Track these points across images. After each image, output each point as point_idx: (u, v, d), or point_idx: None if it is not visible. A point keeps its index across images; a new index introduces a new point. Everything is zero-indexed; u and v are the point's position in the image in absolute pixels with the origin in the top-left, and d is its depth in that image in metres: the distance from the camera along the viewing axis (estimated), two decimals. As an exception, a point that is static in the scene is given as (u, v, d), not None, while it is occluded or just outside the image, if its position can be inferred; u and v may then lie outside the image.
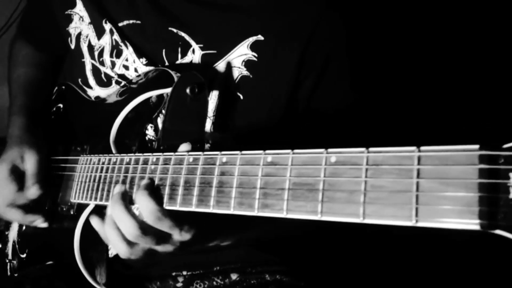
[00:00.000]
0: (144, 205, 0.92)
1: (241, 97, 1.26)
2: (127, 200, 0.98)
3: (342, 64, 1.27)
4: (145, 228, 0.93)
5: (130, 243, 0.96)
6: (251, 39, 1.22)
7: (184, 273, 1.41)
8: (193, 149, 0.98)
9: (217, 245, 1.17)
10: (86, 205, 1.22)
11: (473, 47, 1.91)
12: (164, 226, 0.94)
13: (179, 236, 0.96)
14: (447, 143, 0.60)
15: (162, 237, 0.96)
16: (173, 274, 1.41)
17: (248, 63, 1.23)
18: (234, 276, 1.42)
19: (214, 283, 1.41)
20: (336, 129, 1.27)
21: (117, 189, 1.01)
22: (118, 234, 0.96)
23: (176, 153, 0.96)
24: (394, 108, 1.73)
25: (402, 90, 1.86)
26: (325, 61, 1.25)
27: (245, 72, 1.24)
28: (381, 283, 1.92)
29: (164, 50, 1.29)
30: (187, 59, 1.27)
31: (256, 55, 1.23)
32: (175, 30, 1.27)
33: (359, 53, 1.30)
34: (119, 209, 0.95)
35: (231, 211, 0.82)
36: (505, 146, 0.55)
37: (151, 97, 1.22)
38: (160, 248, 0.98)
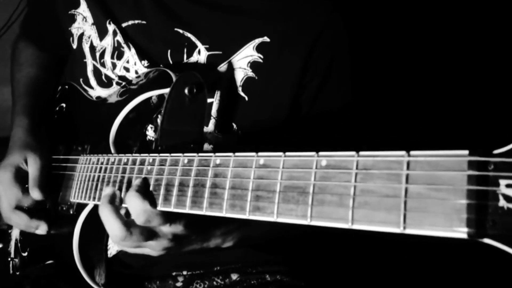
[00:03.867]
0: (134, 206, 0.93)
1: (246, 98, 1.26)
2: (115, 202, 0.99)
3: (346, 69, 1.28)
4: (131, 230, 0.94)
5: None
6: (257, 41, 1.22)
7: (184, 273, 1.41)
8: (188, 150, 0.98)
9: (218, 247, 1.15)
10: (86, 205, 1.22)
11: (471, 53, 1.92)
12: (154, 225, 0.95)
13: (170, 229, 0.96)
14: (443, 147, 0.59)
15: (150, 235, 0.96)
16: (173, 274, 1.41)
17: (253, 65, 1.23)
18: (234, 276, 1.41)
19: (214, 283, 1.41)
20: (338, 132, 1.26)
21: (107, 191, 1.02)
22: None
23: (172, 154, 0.96)
24: (394, 111, 1.73)
25: (402, 94, 1.85)
26: (329, 65, 1.25)
27: (250, 73, 1.24)
28: (381, 283, 1.91)
29: (169, 51, 1.29)
30: (192, 60, 1.27)
31: (262, 56, 1.23)
32: (181, 31, 1.27)
33: (363, 59, 1.30)
34: (106, 212, 0.96)
35: (223, 214, 0.81)
36: (496, 152, 0.54)
37: (152, 97, 1.22)
38: (152, 244, 0.98)
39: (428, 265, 1.95)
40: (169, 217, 0.95)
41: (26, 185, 1.33)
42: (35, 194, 1.30)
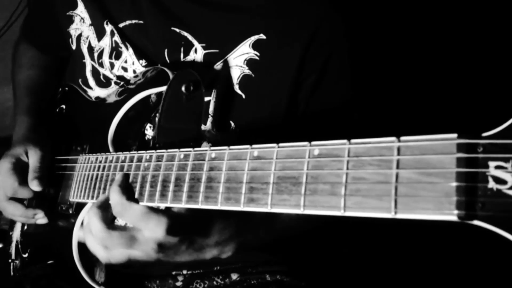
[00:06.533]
0: (112, 199, 0.98)
1: (243, 96, 1.26)
2: (104, 208, 1.02)
3: (343, 66, 1.28)
4: (110, 231, 0.96)
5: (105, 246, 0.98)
6: (253, 38, 1.22)
7: (184, 272, 1.41)
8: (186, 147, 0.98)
9: (217, 258, 1.08)
10: (85, 204, 1.23)
11: (463, 43, 1.93)
12: (130, 219, 0.96)
13: (150, 235, 0.94)
14: (436, 132, 0.59)
15: (130, 239, 0.95)
16: (173, 273, 1.41)
17: (250, 62, 1.23)
18: (234, 276, 1.41)
19: (214, 282, 1.40)
20: (336, 129, 1.26)
21: (100, 198, 1.05)
22: (92, 237, 1.00)
23: (168, 150, 0.97)
24: (391, 106, 1.73)
25: (398, 88, 1.86)
26: (326, 62, 1.25)
27: (247, 71, 1.24)
28: (381, 283, 1.90)
29: (166, 50, 1.30)
30: (189, 59, 1.28)
31: (258, 54, 1.23)
32: (178, 30, 1.28)
33: (359, 55, 1.30)
34: (92, 213, 1.00)
35: (218, 207, 0.82)
36: (485, 134, 0.54)
37: (150, 96, 1.23)
38: (136, 253, 0.97)
39: (427, 264, 1.94)
40: (144, 217, 0.93)
41: (25, 177, 1.33)
42: (34, 185, 1.30)
